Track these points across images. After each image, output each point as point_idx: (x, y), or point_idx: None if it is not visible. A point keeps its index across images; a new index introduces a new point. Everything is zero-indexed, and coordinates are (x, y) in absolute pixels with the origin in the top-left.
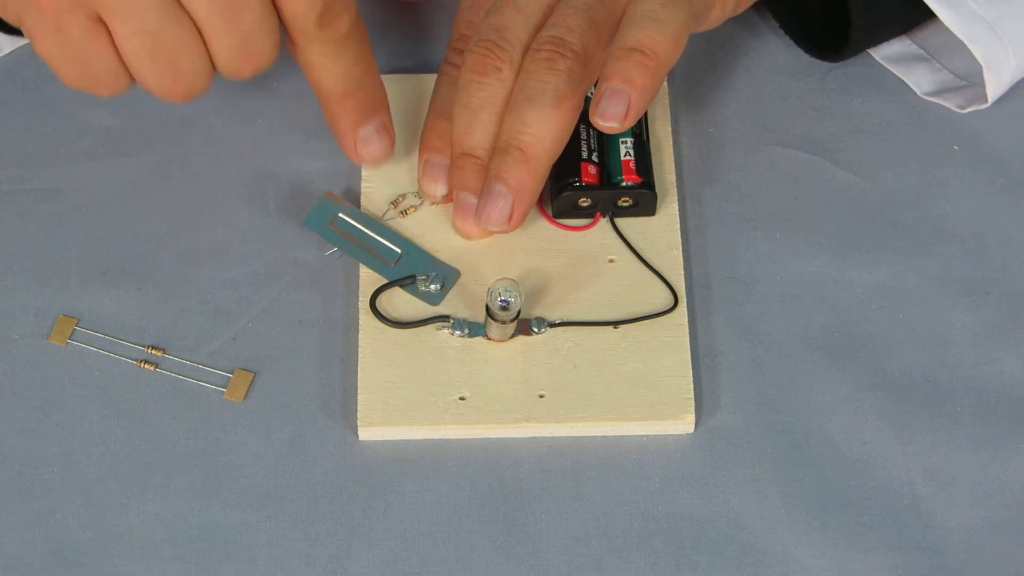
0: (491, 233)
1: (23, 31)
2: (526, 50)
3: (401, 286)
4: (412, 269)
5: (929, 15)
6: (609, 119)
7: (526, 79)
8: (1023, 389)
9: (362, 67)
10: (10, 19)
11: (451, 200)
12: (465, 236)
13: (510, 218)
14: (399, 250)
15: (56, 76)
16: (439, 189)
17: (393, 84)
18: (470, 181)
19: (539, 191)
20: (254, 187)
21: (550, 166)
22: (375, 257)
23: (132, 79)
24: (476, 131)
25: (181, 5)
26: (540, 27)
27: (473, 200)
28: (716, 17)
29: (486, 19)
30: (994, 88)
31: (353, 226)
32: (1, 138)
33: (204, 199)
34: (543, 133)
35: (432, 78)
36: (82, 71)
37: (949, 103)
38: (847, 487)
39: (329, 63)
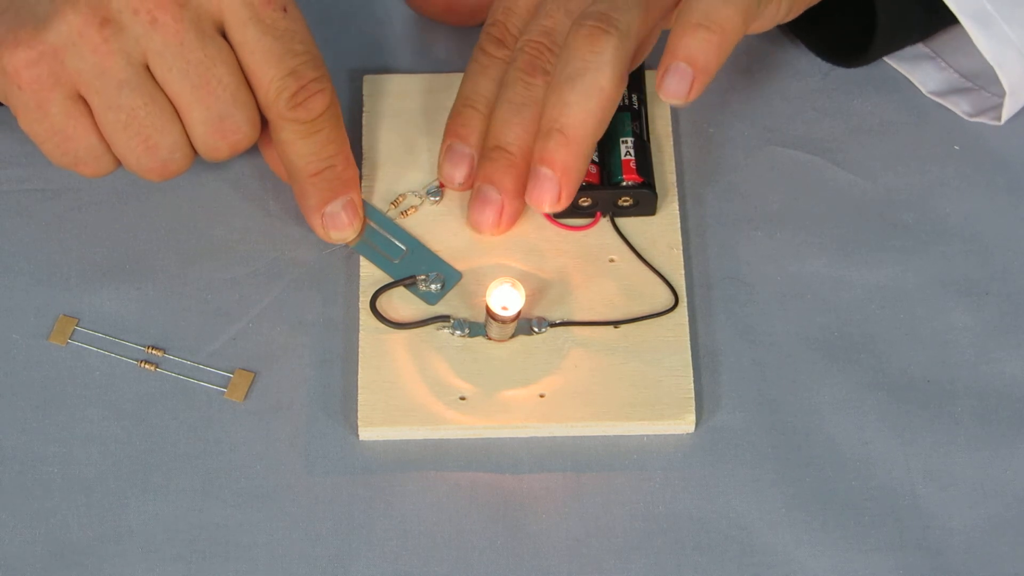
0: (502, 232)
1: (9, 107)
2: None
3: (402, 286)
4: (416, 267)
5: (947, 20)
6: (671, 96)
7: (568, 57)
8: (1023, 389)
9: (334, 147)
10: None
11: (467, 188)
12: (477, 229)
13: (559, 199)
14: (404, 247)
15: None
16: (458, 174)
17: (393, 84)
18: (497, 175)
19: (585, 170)
20: (254, 187)
21: (594, 145)
22: (379, 252)
23: (115, 161)
24: (515, 127)
25: (155, 81)
26: None
27: (495, 195)
28: (771, 15)
29: (536, 20)
30: (1010, 111)
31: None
32: (1, 138)
33: (204, 199)
34: (584, 115)
35: (433, 78)
36: (63, 149)
37: (956, 108)
38: (847, 487)
39: (301, 143)
